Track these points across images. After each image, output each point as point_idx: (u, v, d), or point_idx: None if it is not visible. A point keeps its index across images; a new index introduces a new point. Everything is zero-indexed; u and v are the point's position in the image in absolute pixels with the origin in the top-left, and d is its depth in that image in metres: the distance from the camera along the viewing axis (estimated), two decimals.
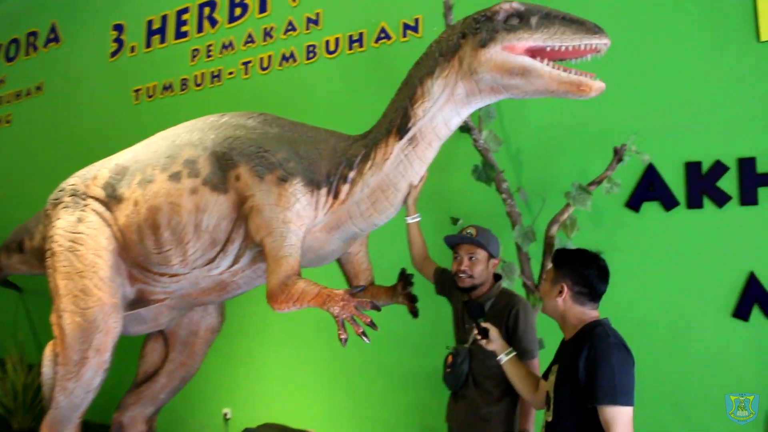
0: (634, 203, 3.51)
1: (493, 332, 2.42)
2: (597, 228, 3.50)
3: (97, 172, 3.13)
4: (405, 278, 2.95)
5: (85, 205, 3.06)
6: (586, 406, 1.93)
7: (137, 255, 2.97)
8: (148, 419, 3.51)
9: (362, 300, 2.44)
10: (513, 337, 2.57)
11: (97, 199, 3.06)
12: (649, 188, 3.48)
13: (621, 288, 3.46)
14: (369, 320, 2.40)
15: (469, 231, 2.74)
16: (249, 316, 4.49)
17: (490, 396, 2.65)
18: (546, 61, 2.33)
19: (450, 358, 2.71)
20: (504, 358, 2.39)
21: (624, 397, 1.90)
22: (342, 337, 2.39)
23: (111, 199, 3.02)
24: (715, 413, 3.02)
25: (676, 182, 3.43)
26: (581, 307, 2.10)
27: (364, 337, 2.40)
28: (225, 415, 4.68)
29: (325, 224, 2.81)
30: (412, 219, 2.85)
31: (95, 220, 3.02)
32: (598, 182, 3.13)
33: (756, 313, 3.19)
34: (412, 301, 2.93)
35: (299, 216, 2.73)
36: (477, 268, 2.70)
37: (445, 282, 2.90)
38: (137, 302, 3.10)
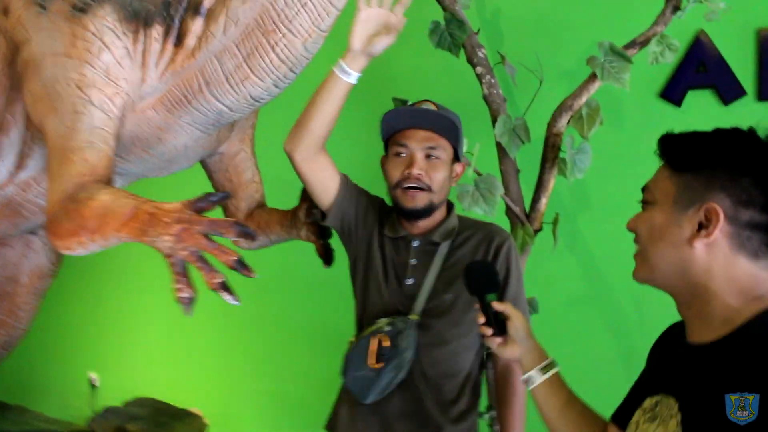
0: (673, 93, 2.32)
1: (518, 321, 1.21)
2: (612, 132, 2.30)
3: None
4: (311, 199, 1.71)
5: None
6: None
7: None
8: None
9: (217, 221, 1.21)
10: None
11: None
12: (698, 70, 2.29)
13: None
14: (235, 259, 1.19)
15: (425, 105, 1.53)
16: (121, 253, 3.25)
17: (450, 407, 1.53)
18: None
19: (380, 340, 1.51)
20: (537, 377, 1.17)
21: None
22: (181, 296, 1.21)
23: None
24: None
25: (741, 60, 2.26)
26: (752, 262, 0.88)
27: (225, 296, 1.22)
28: (92, 381, 3.49)
29: (163, 96, 1.55)
30: (347, 74, 1.51)
31: None
32: (641, 43, 1.89)
33: None
34: (322, 236, 1.71)
35: (110, 77, 1.49)
36: (438, 174, 1.52)
37: (355, 203, 1.65)
38: None
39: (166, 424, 2.82)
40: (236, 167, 1.86)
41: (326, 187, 1.61)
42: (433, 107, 1.54)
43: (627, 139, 2.35)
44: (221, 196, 1.26)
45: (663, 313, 2.30)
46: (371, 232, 1.62)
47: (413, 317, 1.51)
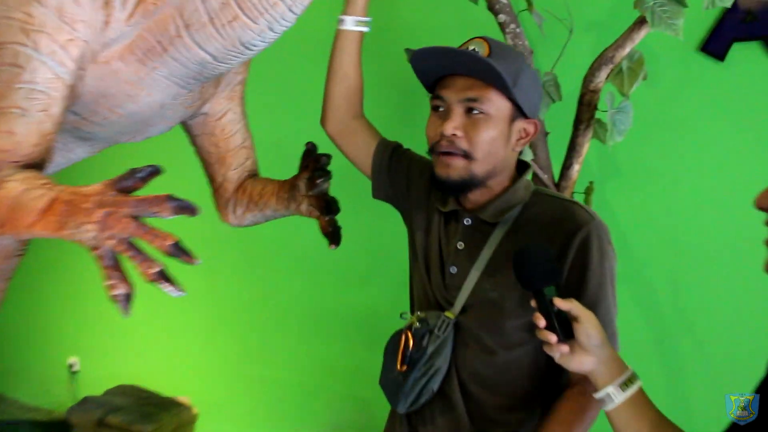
0: (715, 45, 2.05)
1: (588, 323, 0.97)
2: (646, 91, 2.03)
3: None
4: (315, 161, 1.45)
5: None
6: None
7: None
8: None
9: (145, 198, 0.97)
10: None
11: None
12: (746, 19, 2.02)
13: (684, 192, 2.10)
14: (171, 243, 0.95)
15: (474, 44, 1.22)
16: None
17: (501, 421, 1.25)
18: None
19: (406, 339, 1.27)
20: (616, 396, 0.95)
21: None
22: (115, 294, 0.95)
23: None
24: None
25: None
26: None
27: (166, 287, 0.96)
28: (71, 366, 3.25)
29: (132, 43, 1.27)
30: (355, 25, 1.40)
31: None
32: None
33: None
34: (328, 211, 1.44)
35: (64, 18, 1.21)
36: (481, 134, 1.20)
37: (399, 170, 1.42)
38: None
39: (152, 414, 2.57)
40: (223, 130, 1.58)
41: (365, 158, 1.42)
42: (481, 47, 1.20)
43: (663, 98, 2.09)
44: (149, 171, 1.00)
45: (699, 293, 2.08)
46: (422, 205, 1.36)
47: (449, 315, 1.24)
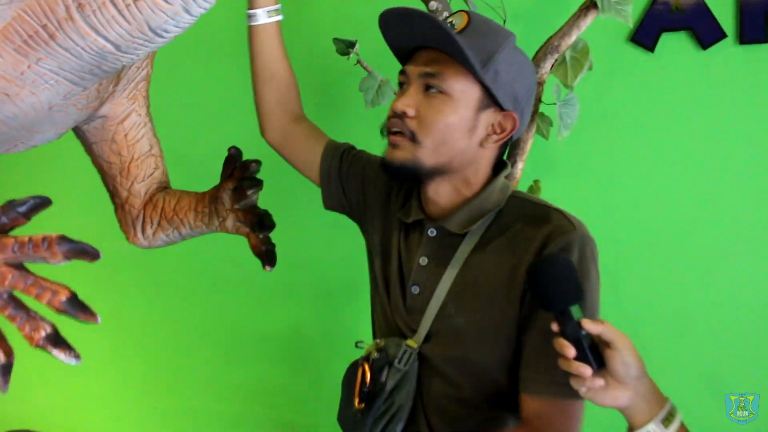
0: (644, 36, 2.00)
1: (625, 350, 0.81)
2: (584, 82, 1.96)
3: None
4: (242, 168, 1.24)
5: None
6: None
7: None
8: None
9: (29, 240, 0.77)
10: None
11: None
12: (673, 9, 1.99)
13: (622, 187, 2.05)
14: (63, 299, 0.76)
15: (450, 20, 1.04)
16: None
17: None
18: None
19: (363, 371, 1.09)
20: None
21: None
22: None
23: None
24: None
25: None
26: None
27: (59, 355, 0.76)
28: None
29: (6, 28, 1.02)
30: (267, 16, 1.24)
31: None
32: None
33: None
34: (261, 227, 1.24)
35: None
36: (433, 115, 1.03)
37: (351, 175, 1.26)
38: None
39: None
40: (126, 135, 1.34)
41: (312, 166, 1.24)
42: (460, 20, 1.03)
43: (596, 90, 2.02)
44: (32, 203, 0.79)
45: (639, 290, 2.02)
46: (380, 213, 1.18)
47: (411, 343, 1.06)
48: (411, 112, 1.02)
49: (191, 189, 1.41)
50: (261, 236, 1.22)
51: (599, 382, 0.80)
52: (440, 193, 1.09)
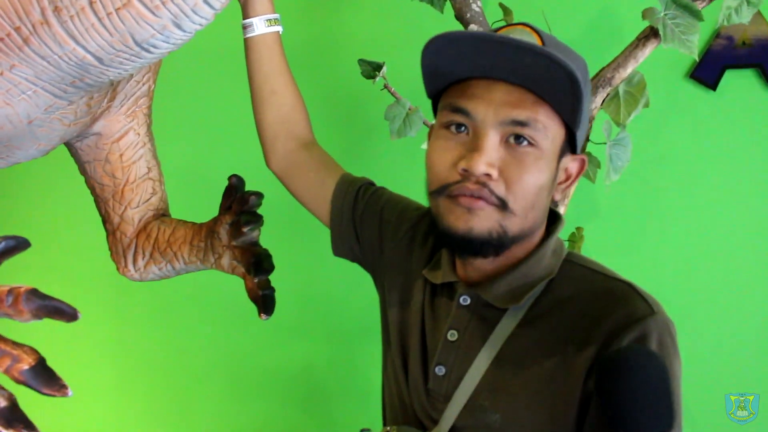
0: (706, 72, 1.81)
1: None
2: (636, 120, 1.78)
3: None
4: (240, 201, 1.09)
5: None
6: None
7: None
8: None
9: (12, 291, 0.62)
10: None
11: None
12: (739, 44, 1.80)
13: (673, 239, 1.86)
14: (26, 368, 0.64)
15: (518, 31, 0.80)
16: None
17: None
18: None
19: None
20: None
21: None
22: None
23: None
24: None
25: None
26: None
27: None
28: None
29: None
30: (266, 26, 1.08)
31: None
32: None
33: None
34: (258, 270, 1.08)
35: None
36: (528, 177, 0.79)
37: (368, 218, 1.06)
38: None
39: None
40: (121, 156, 1.21)
41: (321, 203, 1.06)
42: (531, 37, 0.81)
43: (647, 130, 1.84)
44: (4, 246, 0.66)
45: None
46: (401, 268, 0.99)
47: None
48: (495, 174, 0.79)
49: (198, 219, 1.27)
50: (257, 280, 1.07)
51: None
52: (479, 260, 0.87)
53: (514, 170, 0.79)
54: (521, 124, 0.79)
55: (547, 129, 0.80)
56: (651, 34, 1.32)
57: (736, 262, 1.85)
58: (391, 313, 0.97)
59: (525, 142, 0.80)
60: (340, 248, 1.09)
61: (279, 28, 1.09)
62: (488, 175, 0.79)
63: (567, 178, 0.87)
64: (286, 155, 1.09)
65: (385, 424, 0.98)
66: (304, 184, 1.09)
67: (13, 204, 2.21)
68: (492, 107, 0.79)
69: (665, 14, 1.27)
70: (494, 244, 0.82)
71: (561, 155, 0.83)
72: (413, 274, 0.96)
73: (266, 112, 1.09)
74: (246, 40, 1.08)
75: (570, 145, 0.85)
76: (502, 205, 0.79)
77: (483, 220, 0.80)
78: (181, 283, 2.15)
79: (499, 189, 0.79)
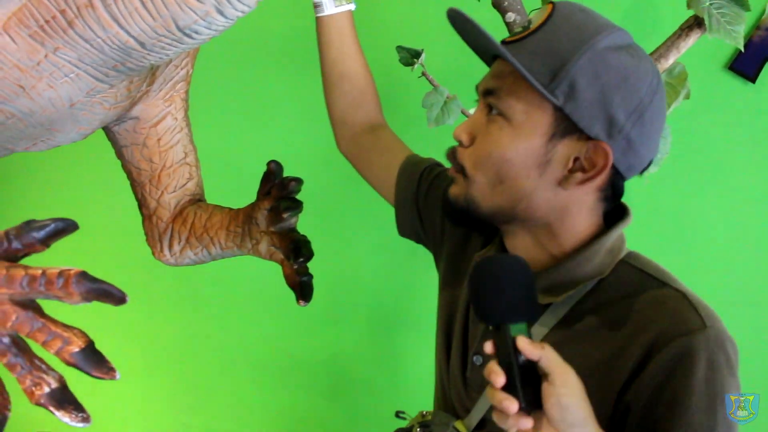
0: (745, 63, 1.77)
1: (563, 387, 0.62)
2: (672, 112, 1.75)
3: None
4: (280, 187, 1.09)
5: None
6: None
7: None
8: None
9: (40, 273, 0.61)
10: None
11: None
12: None
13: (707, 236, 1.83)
14: (77, 350, 0.61)
15: (534, 14, 0.83)
16: None
17: None
18: None
19: None
20: None
21: None
22: None
23: None
24: None
25: None
26: None
27: (64, 417, 0.62)
28: None
29: (21, 10, 0.90)
30: (335, 4, 1.07)
31: None
32: None
33: None
34: (297, 255, 1.08)
35: None
36: (487, 146, 0.82)
37: (431, 200, 1.06)
38: None
39: None
40: (159, 140, 1.22)
41: (388, 185, 1.06)
42: (539, 15, 0.81)
43: (683, 122, 1.80)
44: (54, 227, 0.67)
45: None
46: (457, 253, 0.98)
47: (460, 427, 0.86)
48: (465, 139, 0.83)
49: (228, 203, 1.27)
50: (296, 266, 1.07)
51: (526, 423, 0.62)
52: (518, 248, 0.86)
53: (480, 138, 0.81)
54: (488, 92, 0.83)
55: (516, 100, 0.79)
56: (695, 24, 1.29)
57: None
58: (441, 297, 0.98)
59: (495, 112, 0.81)
60: (405, 230, 1.10)
61: (351, 6, 1.08)
62: (460, 141, 0.84)
63: (592, 167, 0.81)
64: (352, 139, 1.10)
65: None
66: (371, 167, 1.10)
67: (45, 187, 2.24)
68: (484, 79, 0.85)
69: (711, 4, 1.24)
70: (463, 214, 0.84)
71: (553, 136, 0.79)
72: (468, 259, 0.96)
73: (335, 96, 1.10)
74: (317, 19, 1.08)
75: (575, 128, 0.79)
76: (462, 172, 0.83)
77: (455, 188, 0.85)
78: (210, 269, 2.18)
79: (463, 156, 0.83)
